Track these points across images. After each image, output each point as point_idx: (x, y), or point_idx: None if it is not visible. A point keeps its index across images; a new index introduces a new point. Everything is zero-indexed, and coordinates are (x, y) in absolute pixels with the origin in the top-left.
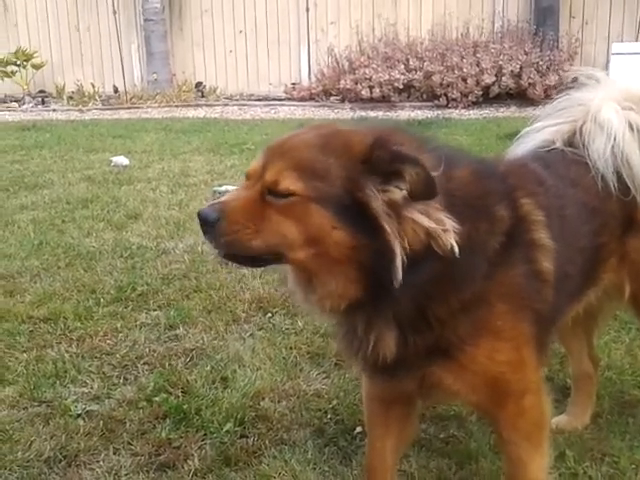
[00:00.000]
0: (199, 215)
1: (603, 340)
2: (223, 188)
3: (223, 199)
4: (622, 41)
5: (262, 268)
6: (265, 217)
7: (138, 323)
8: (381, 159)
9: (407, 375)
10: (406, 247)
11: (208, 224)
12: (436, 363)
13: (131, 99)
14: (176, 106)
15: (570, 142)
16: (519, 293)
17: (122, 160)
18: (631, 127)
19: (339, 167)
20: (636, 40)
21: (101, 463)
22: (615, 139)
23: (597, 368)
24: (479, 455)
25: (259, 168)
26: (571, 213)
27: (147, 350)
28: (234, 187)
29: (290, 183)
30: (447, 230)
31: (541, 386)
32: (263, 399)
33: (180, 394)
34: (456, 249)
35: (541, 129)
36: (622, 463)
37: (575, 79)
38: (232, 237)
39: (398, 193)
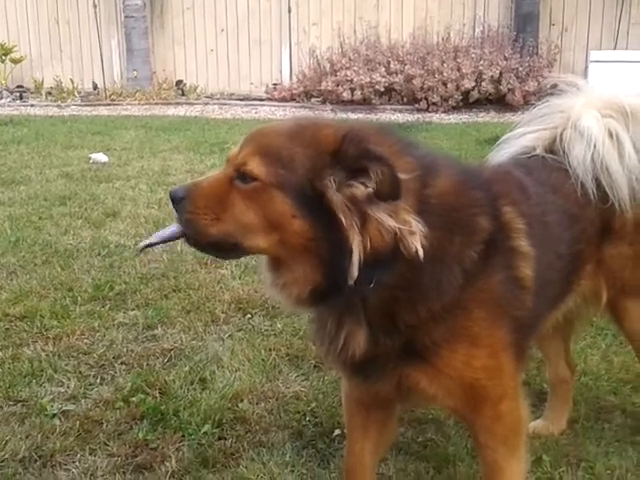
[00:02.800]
0: (170, 192)
1: (579, 346)
2: None
3: (197, 180)
4: (600, 49)
5: (225, 259)
6: (229, 202)
7: (116, 322)
8: (348, 154)
9: (381, 376)
10: (367, 246)
11: (175, 201)
12: (412, 365)
13: (110, 96)
14: (156, 104)
15: (550, 149)
16: (498, 300)
17: (101, 157)
18: (610, 135)
19: (304, 156)
20: (614, 48)
21: (77, 464)
22: (595, 146)
23: (574, 373)
24: (456, 459)
25: (236, 153)
26: (552, 220)
27: (125, 350)
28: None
29: (254, 167)
30: (413, 232)
31: (519, 392)
32: (242, 401)
33: (158, 395)
34: (420, 252)
35: (522, 135)
36: (598, 468)
37: (554, 86)
38: (191, 217)
39: (362, 190)
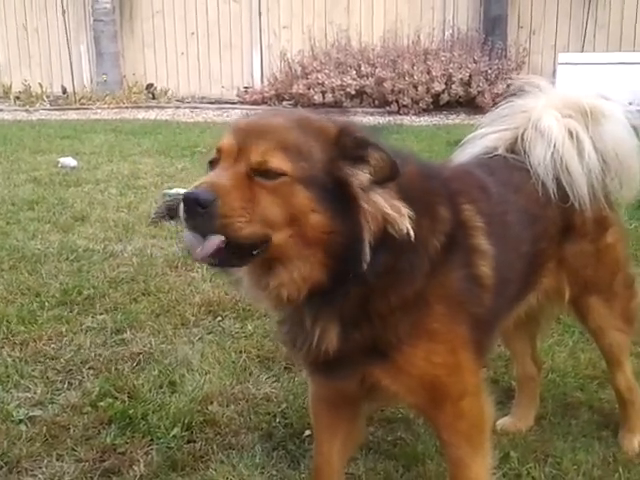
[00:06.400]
0: (190, 196)
1: (547, 343)
2: (174, 191)
3: (208, 179)
4: (568, 51)
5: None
6: (255, 199)
7: (84, 327)
8: (349, 144)
9: (347, 374)
10: (373, 230)
11: (202, 205)
12: (375, 364)
13: (80, 100)
14: (126, 108)
15: (512, 149)
16: (457, 296)
17: (70, 161)
18: (570, 134)
19: (319, 149)
20: (582, 51)
21: (44, 469)
22: (555, 146)
23: (540, 370)
24: (425, 457)
25: (234, 147)
26: (512, 219)
27: (92, 354)
28: (185, 190)
29: (280, 163)
30: (403, 215)
31: (481, 388)
32: (211, 403)
33: (126, 399)
34: (412, 233)
35: (484, 135)
36: (565, 464)
37: (522, 88)
38: (229, 221)
39: (366, 176)
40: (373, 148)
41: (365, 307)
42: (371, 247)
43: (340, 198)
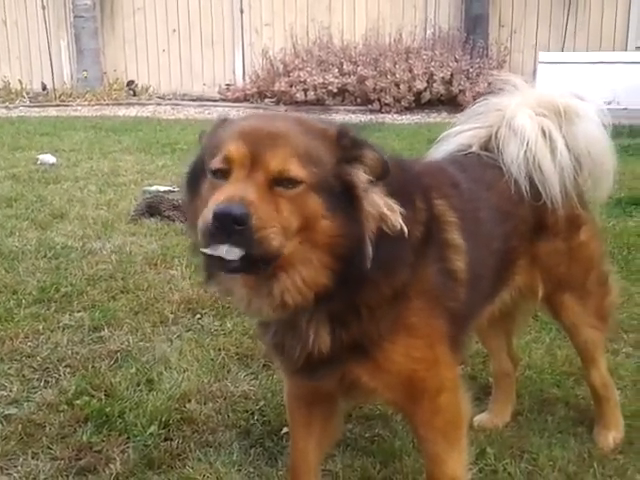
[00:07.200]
0: (224, 213)
1: (524, 340)
2: (154, 188)
3: (232, 193)
4: (549, 50)
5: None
6: (279, 210)
7: (61, 325)
8: (347, 145)
9: (328, 374)
10: (373, 228)
11: (237, 222)
12: (355, 361)
13: (60, 97)
14: (107, 105)
15: (486, 146)
16: (433, 290)
17: (49, 158)
18: (544, 133)
19: (325, 153)
20: (562, 50)
21: (19, 468)
22: (528, 144)
23: (517, 367)
24: (403, 453)
25: (247, 156)
26: (484, 216)
27: (69, 352)
28: (165, 187)
29: (298, 171)
30: (395, 211)
31: (457, 384)
32: (189, 401)
33: (103, 397)
34: (405, 229)
35: (458, 133)
36: (541, 460)
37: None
38: (264, 233)
39: (365, 176)
40: (368, 148)
41: (355, 303)
42: (371, 245)
43: (345, 201)
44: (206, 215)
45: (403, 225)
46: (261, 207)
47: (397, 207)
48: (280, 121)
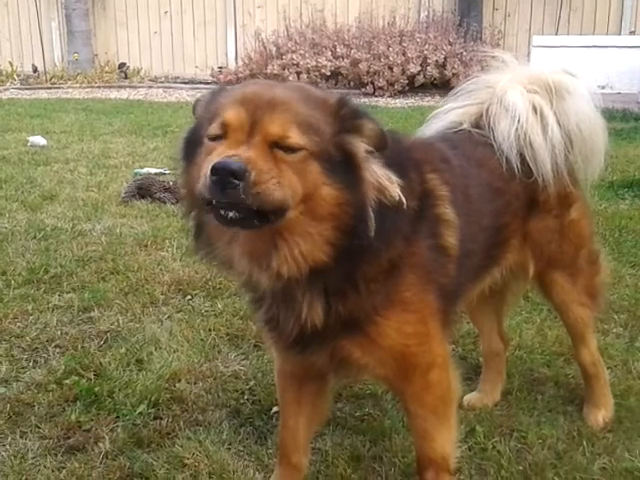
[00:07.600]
0: (221, 167)
1: (515, 321)
2: (144, 170)
3: (230, 152)
4: (543, 34)
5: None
6: (278, 170)
7: (50, 305)
8: (347, 115)
9: (319, 349)
10: (373, 199)
11: (236, 175)
12: (347, 336)
13: (51, 79)
14: (98, 87)
15: (477, 124)
16: (426, 265)
17: (39, 140)
18: (535, 110)
19: (325, 122)
20: (556, 33)
21: (7, 447)
22: (519, 121)
23: (507, 346)
24: (392, 432)
25: (246, 120)
26: (475, 192)
27: (59, 333)
28: (156, 170)
29: (298, 137)
30: (393, 182)
31: (448, 361)
32: (179, 381)
33: (92, 377)
34: (403, 199)
35: (450, 110)
36: (530, 438)
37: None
38: (263, 187)
39: (364, 146)
40: (367, 119)
41: (352, 275)
42: (373, 215)
43: (346, 170)
44: (205, 170)
45: (402, 196)
46: (259, 163)
47: (395, 178)
48: (280, 88)
